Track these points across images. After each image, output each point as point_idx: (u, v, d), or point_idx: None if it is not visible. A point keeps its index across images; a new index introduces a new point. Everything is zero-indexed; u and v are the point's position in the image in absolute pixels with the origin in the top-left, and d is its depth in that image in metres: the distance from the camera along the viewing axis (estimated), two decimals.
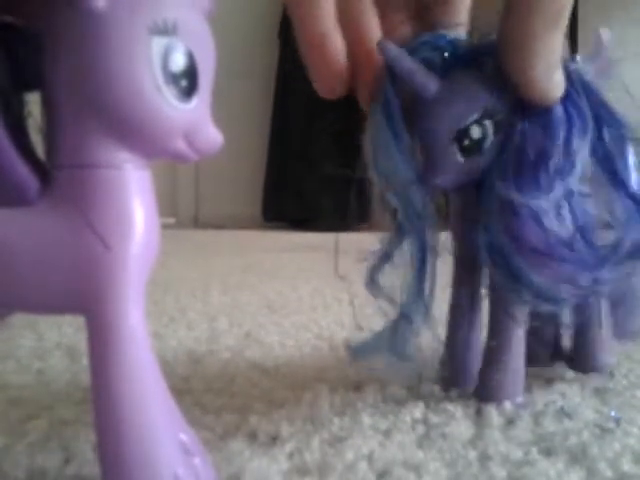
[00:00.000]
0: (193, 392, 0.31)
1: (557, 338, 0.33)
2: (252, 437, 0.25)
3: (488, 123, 0.25)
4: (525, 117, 0.25)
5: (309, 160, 1.90)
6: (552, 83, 0.25)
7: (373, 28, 0.27)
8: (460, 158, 0.26)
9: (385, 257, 0.29)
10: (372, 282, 0.29)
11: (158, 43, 0.17)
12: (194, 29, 0.18)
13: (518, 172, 0.25)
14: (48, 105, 0.18)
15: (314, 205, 1.89)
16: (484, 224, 0.26)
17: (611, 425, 0.26)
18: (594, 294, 0.28)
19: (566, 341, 0.33)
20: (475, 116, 0.25)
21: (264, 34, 2.06)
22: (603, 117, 0.26)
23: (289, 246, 1.29)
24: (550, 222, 0.26)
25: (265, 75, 2.05)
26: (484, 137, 0.25)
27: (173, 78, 0.17)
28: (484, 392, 0.28)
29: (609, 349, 0.32)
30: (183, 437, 0.19)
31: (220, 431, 0.26)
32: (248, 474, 0.22)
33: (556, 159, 0.25)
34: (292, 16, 0.27)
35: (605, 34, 0.27)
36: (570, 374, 0.33)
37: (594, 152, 0.26)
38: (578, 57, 0.27)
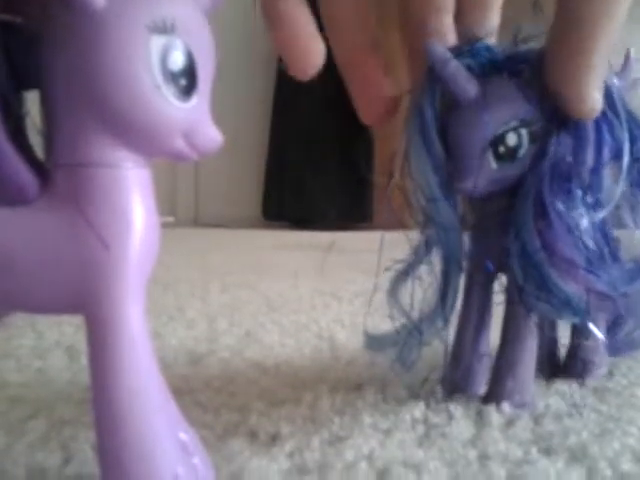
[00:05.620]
0: (193, 391, 0.31)
1: (553, 349, 0.33)
2: (252, 436, 0.25)
3: (524, 132, 0.25)
4: (560, 129, 0.25)
5: (310, 159, 1.90)
6: (597, 99, 0.25)
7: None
8: (494, 164, 0.26)
9: (409, 268, 0.29)
10: (393, 293, 0.30)
11: (157, 42, 0.16)
12: (193, 27, 0.17)
13: (553, 183, 0.26)
14: (46, 104, 0.18)
15: (314, 204, 1.89)
16: (517, 232, 0.26)
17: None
18: (618, 308, 0.29)
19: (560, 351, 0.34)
20: (513, 123, 0.25)
21: (264, 31, 2.06)
22: (636, 133, 0.27)
23: (289, 245, 1.29)
24: (583, 235, 0.26)
25: (265, 73, 2.05)
26: (519, 145, 0.25)
27: (172, 77, 0.17)
28: (493, 401, 0.28)
29: (603, 361, 0.33)
30: (183, 436, 0.19)
31: (220, 430, 0.26)
32: (248, 473, 0.22)
33: (585, 174, 0.26)
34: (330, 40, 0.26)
35: (632, 52, 0.28)
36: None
37: (629, 171, 0.27)
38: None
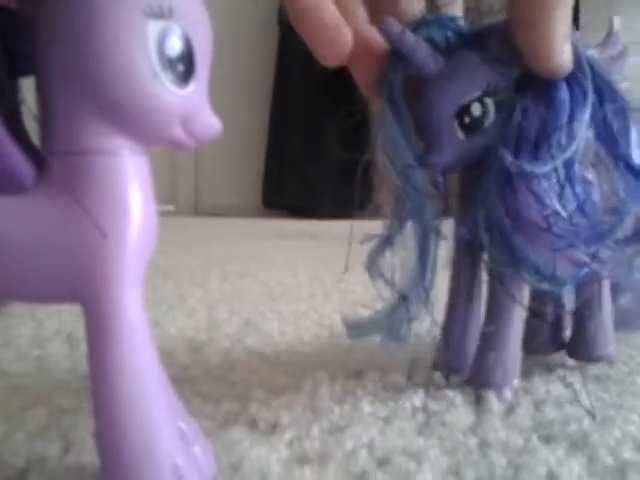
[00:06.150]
0: (193, 380, 0.31)
1: (557, 326, 0.33)
2: (252, 425, 0.25)
3: (489, 101, 0.25)
4: (528, 95, 0.25)
5: (310, 147, 1.89)
6: (565, 55, 0.24)
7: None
8: (461, 136, 0.26)
9: (386, 240, 0.29)
10: (372, 266, 0.29)
11: (154, 27, 0.16)
12: (190, 12, 0.17)
13: (519, 148, 0.25)
14: (43, 91, 0.17)
15: (315, 192, 1.88)
16: (483, 202, 0.26)
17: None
18: (595, 274, 0.28)
19: (566, 329, 0.33)
20: (476, 93, 0.25)
21: (263, 19, 2.05)
22: (605, 92, 0.26)
23: (289, 233, 1.28)
24: (549, 198, 0.25)
25: (264, 61, 2.03)
26: (485, 115, 0.26)
27: (169, 63, 0.17)
28: (479, 377, 0.28)
29: (609, 339, 0.32)
30: (182, 426, 0.19)
31: (220, 419, 0.26)
32: (248, 462, 0.22)
33: (558, 135, 0.25)
34: None
35: (616, 21, 0.27)
36: (571, 361, 0.33)
37: (596, 127, 0.26)
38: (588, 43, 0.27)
